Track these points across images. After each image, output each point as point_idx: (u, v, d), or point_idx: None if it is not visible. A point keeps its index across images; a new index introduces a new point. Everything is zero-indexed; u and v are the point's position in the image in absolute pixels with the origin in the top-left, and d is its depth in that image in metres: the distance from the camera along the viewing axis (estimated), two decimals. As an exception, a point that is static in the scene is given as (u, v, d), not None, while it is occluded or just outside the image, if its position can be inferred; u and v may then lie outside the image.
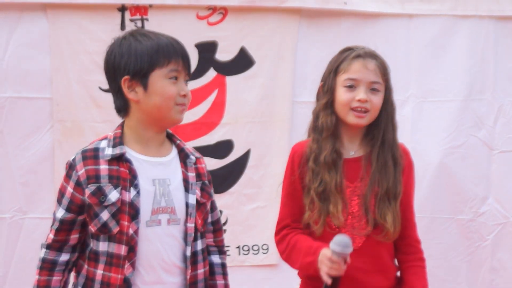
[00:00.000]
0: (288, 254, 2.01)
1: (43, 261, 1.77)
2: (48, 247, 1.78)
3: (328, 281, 1.83)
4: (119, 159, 1.74)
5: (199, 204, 1.80)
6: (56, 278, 1.76)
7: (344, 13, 3.19)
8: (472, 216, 3.26)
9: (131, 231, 1.70)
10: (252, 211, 3.17)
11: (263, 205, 3.16)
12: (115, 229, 1.71)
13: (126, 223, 1.71)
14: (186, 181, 1.78)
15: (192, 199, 1.77)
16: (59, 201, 1.77)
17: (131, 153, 1.76)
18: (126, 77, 1.74)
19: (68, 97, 3.05)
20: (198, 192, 1.80)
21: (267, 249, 3.18)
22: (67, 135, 3.02)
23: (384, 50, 3.12)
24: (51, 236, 1.77)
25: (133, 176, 1.72)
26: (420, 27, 3.24)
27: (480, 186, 3.26)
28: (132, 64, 1.74)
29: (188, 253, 1.76)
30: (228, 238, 3.12)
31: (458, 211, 3.25)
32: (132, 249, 1.71)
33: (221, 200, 3.12)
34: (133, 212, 1.71)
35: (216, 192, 3.09)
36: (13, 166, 3.02)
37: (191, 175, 1.80)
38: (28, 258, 3.00)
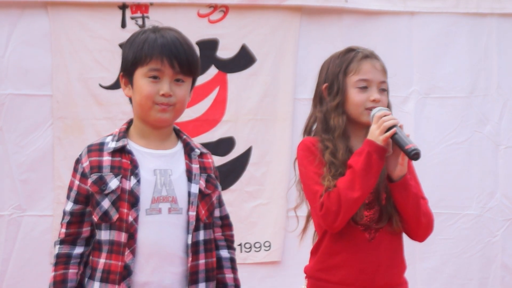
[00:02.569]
0: (343, 194, 1.89)
1: (58, 256, 1.78)
2: (62, 242, 1.79)
3: (393, 130, 1.85)
4: (122, 151, 1.77)
5: (203, 195, 1.80)
6: (72, 271, 1.76)
7: (345, 10, 3.19)
8: (479, 211, 3.25)
9: (130, 219, 1.72)
10: (254, 208, 3.15)
11: (265, 202, 3.15)
12: (115, 217, 1.73)
13: (125, 210, 1.72)
14: (189, 171, 1.79)
15: (195, 188, 1.78)
16: (68, 196, 1.80)
17: (134, 146, 1.79)
18: (121, 73, 1.80)
19: (69, 94, 3.04)
20: (202, 182, 1.80)
21: (269, 246, 3.16)
22: (68, 133, 3.02)
23: (385, 47, 3.15)
24: (63, 230, 1.79)
25: (134, 166, 1.75)
26: (421, 25, 3.25)
27: (487, 181, 3.25)
28: (123, 61, 1.79)
29: (189, 241, 1.76)
30: (230, 235, 3.12)
31: (465, 206, 3.24)
32: (131, 236, 1.72)
33: (222, 197, 3.11)
34: (133, 200, 1.72)
35: (218, 189, 3.11)
36: (13, 164, 3.00)
37: (195, 166, 1.81)
38: (26, 256, 2.99)
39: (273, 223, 3.15)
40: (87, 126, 3.03)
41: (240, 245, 3.14)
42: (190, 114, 3.09)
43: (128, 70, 1.77)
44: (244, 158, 3.15)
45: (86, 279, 1.78)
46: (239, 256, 3.12)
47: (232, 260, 1.91)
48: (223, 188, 3.11)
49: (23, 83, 3.02)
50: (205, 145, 3.07)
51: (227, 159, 3.14)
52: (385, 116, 1.89)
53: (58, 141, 3.02)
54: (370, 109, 1.96)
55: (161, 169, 1.76)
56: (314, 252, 2.07)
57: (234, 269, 1.91)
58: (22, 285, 2.99)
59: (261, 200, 3.14)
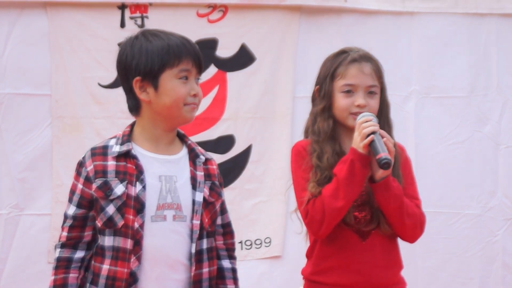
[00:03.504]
0: (327, 203, 1.90)
1: (58, 260, 1.77)
2: (63, 245, 1.77)
3: (370, 138, 1.87)
4: (126, 156, 1.75)
5: (207, 203, 1.79)
6: (72, 275, 1.75)
7: (345, 10, 3.19)
8: (480, 211, 3.25)
9: (136, 225, 1.70)
10: (254, 206, 3.14)
11: (265, 199, 3.14)
12: (120, 223, 1.71)
13: (131, 217, 1.71)
14: (193, 179, 1.78)
15: (199, 197, 1.77)
16: (70, 200, 1.79)
17: (139, 150, 1.77)
18: (137, 78, 1.75)
19: (68, 93, 3.03)
20: (206, 190, 1.80)
21: (270, 242, 3.15)
22: (66, 132, 3.00)
23: (385, 47, 3.17)
24: (65, 233, 1.77)
25: (139, 171, 1.73)
26: (421, 25, 3.25)
27: (487, 181, 3.25)
28: (142, 65, 1.74)
29: (193, 250, 1.75)
30: (230, 233, 3.11)
31: (465, 206, 3.24)
32: (137, 243, 1.71)
33: (222, 195, 3.12)
34: (139, 206, 1.71)
35: (218, 187, 3.11)
36: (11, 163, 2.98)
37: (200, 173, 1.80)
38: (24, 255, 2.97)
39: (274, 219, 3.15)
40: (86, 125, 3.02)
41: (240, 242, 3.12)
42: (189, 112, 3.11)
43: (152, 74, 1.73)
44: (244, 156, 3.14)
45: (88, 284, 1.77)
46: (240, 254, 3.11)
47: (234, 271, 1.90)
48: (224, 187, 3.12)
49: (22, 82, 3.01)
50: (204, 143, 3.12)
51: (227, 157, 3.14)
52: (366, 122, 1.89)
53: (57, 140, 3.01)
54: (355, 114, 1.95)
55: (167, 175, 1.75)
56: (309, 255, 2.07)
57: (235, 280, 1.90)
58: (20, 284, 2.97)
59: (261, 198, 3.13)
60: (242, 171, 3.14)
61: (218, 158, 3.11)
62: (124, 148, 1.75)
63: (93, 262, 1.77)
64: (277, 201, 3.13)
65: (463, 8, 3.26)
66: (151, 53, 1.73)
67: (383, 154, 1.83)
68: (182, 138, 1.85)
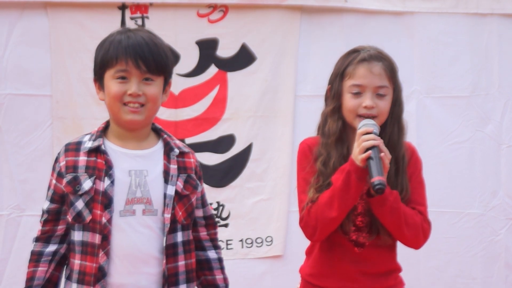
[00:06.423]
0: (320, 211, 1.88)
1: (31, 253, 1.82)
2: (37, 239, 1.82)
3: (368, 153, 1.80)
4: (97, 151, 1.77)
5: (180, 196, 1.80)
6: (41, 269, 1.79)
7: (345, 10, 3.20)
8: (482, 210, 3.25)
9: (104, 220, 1.72)
10: (255, 204, 3.14)
11: (266, 198, 3.14)
12: (88, 218, 1.74)
13: (98, 212, 1.73)
14: (166, 172, 1.78)
15: (170, 190, 1.77)
16: (46, 195, 1.83)
17: (110, 146, 1.79)
18: (94, 78, 1.82)
19: (68, 94, 3.03)
20: (180, 184, 1.80)
21: (271, 241, 3.15)
22: (67, 132, 3.00)
23: (386, 47, 3.12)
24: (40, 228, 1.83)
25: (108, 166, 1.75)
26: (421, 25, 3.25)
27: (489, 180, 3.25)
28: (94, 65, 1.81)
29: (164, 244, 1.76)
30: (230, 232, 3.12)
31: (467, 205, 3.24)
32: (105, 237, 1.72)
33: (223, 194, 3.10)
34: (106, 201, 1.73)
35: (218, 186, 3.10)
36: (12, 164, 2.99)
37: (173, 167, 1.80)
38: (25, 256, 2.87)
39: (275, 218, 3.14)
40: (86, 126, 3.00)
41: (241, 240, 3.13)
42: (190, 113, 3.08)
43: (98, 74, 1.78)
44: (244, 155, 3.14)
45: (65, 279, 1.80)
46: (240, 252, 3.12)
47: (220, 260, 1.91)
48: (224, 185, 3.13)
49: (23, 83, 3.01)
50: (205, 143, 3.12)
51: (227, 156, 3.13)
52: (367, 133, 1.84)
53: (58, 141, 3.00)
54: (363, 115, 1.92)
55: (136, 170, 1.76)
56: (308, 253, 2.06)
57: (222, 269, 1.91)
58: (21, 285, 2.92)
59: (262, 196, 3.14)
60: (243, 169, 3.14)
61: (218, 158, 3.12)
62: (96, 143, 1.77)
63: (70, 258, 1.79)
64: (279, 200, 3.13)
65: (464, 8, 3.27)
66: (100, 53, 1.78)
67: (377, 178, 1.76)
68: (159, 133, 1.85)
